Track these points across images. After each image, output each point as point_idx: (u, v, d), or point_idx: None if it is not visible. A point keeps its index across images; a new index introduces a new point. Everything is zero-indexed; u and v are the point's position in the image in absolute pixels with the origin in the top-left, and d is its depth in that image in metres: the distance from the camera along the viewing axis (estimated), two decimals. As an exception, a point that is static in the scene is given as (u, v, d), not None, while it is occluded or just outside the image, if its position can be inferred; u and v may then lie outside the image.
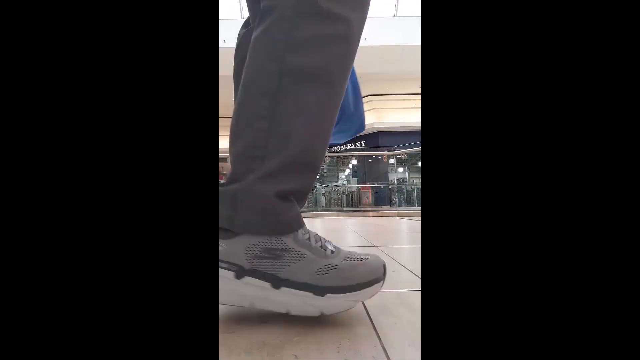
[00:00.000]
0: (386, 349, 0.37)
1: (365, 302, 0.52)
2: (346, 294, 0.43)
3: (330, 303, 0.43)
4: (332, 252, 0.46)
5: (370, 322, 0.45)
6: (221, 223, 0.44)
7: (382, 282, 0.45)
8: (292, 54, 0.43)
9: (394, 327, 0.43)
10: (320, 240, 0.47)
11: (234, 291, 0.43)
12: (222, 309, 0.50)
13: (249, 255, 0.43)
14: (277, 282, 0.42)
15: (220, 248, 0.43)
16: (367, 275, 0.44)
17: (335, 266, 0.43)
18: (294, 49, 0.43)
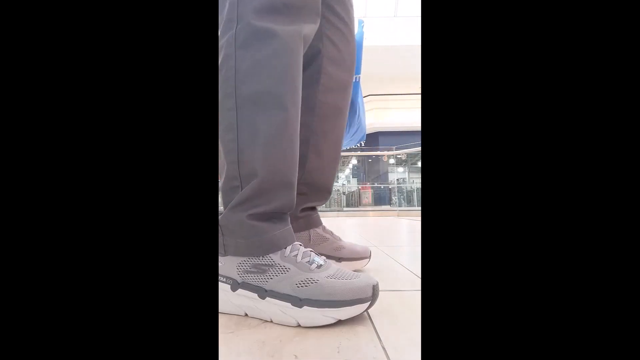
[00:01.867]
0: (386, 349, 0.37)
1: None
2: (323, 308, 0.43)
3: (307, 315, 0.43)
4: (320, 266, 0.47)
5: (370, 322, 0.45)
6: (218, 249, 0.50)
7: (368, 303, 0.44)
8: (241, 85, 0.47)
9: (394, 327, 0.43)
10: (310, 256, 0.49)
11: (230, 302, 0.48)
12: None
13: (240, 270, 0.48)
14: (263, 293, 0.46)
15: (219, 264, 0.49)
16: (348, 294, 0.43)
17: (316, 280, 0.45)
18: (242, 81, 0.47)
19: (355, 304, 0.43)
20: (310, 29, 0.51)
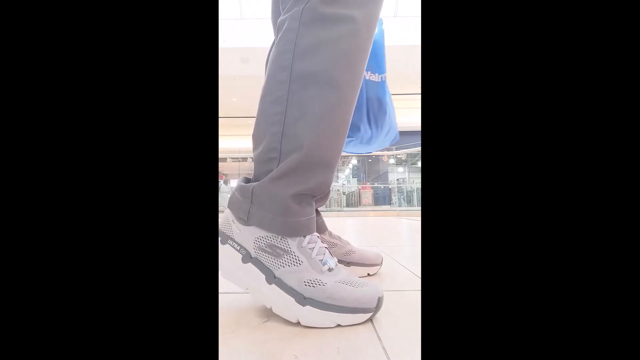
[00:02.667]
0: (386, 349, 0.37)
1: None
2: (325, 312, 0.43)
3: (308, 315, 0.43)
4: (330, 269, 0.47)
5: (370, 322, 0.45)
6: (241, 214, 0.49)
7: (370, 314, 0.44)
8: (298, 60, 0.46)
9: (394, 327, 0.43)
10: (324, 254, 0.48)
11: (237, 273, 0.48)
12: (222, 310, 0.50)
13: (256, 245, 0.47)
14: (271, 278, 0.46)
15: (237, 231, 0.49)
16: (352, 302, 0.44)
17: (324, 283, 0.45)
18: (300, 56, 0.46)
19: (358, 313, 0.43)
20: (378, 13, 0.51)
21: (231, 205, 0.51)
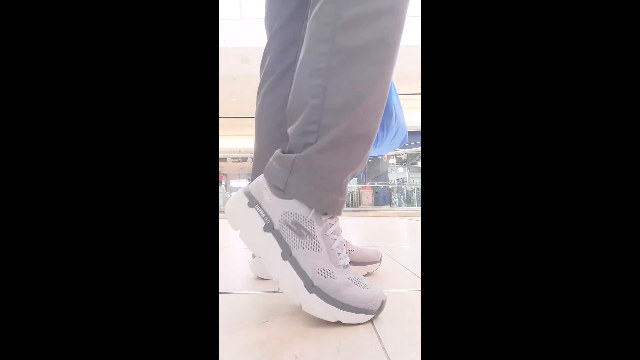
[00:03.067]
0: (386, 349, 0.37)
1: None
2: (329, 305, 0.43)
3: (312, 302, 0.43)
4: (344, 266, 0.47)
5: (370, 322, 0.45)
6: (278, 185, 0.48)
7: (372, 315, 0.45)
8: (339, 34, 0.46)
9: (394, 327, 0.43)
10: (342, 249, 0.48)
11: (256, 239, 0.48)
12: (222, 310, 0.50)
13: (282, 219, 0.47)
14: (287, 255, 0.45)
15: (267, 199, 0.48)
16: (356, 302, 0.44)
17: (335, 277, 0.45)
18: (341, 29, 0.46)
19: (360, 313, 0.44)
20: None
21: (267, 173, 0.50)
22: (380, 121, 0.50)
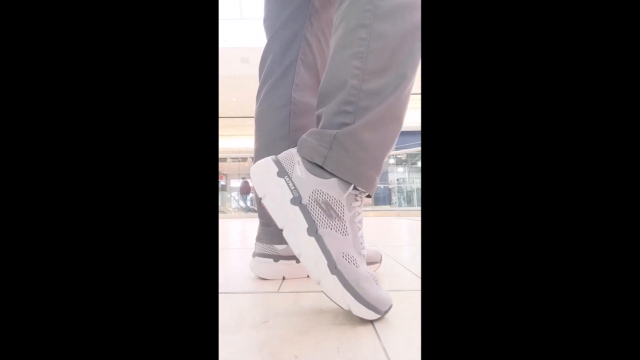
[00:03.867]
0: (386, 349, 0.37)
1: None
2: (347, 292, 0.43)
3: (331, 283, 0.44)
4: (363, 256, 0.48)
5: (370, 322, 0.45)
6: (316, 159, 0.48)
7: (379, 315, 0.45)
8: (378, 21, 0.48)
9: (394, 327, 0.43)
10: (363, 241, 0.49)
11: (282, 209, 0.48)
12: (222, 310, 0.50)
13: (312, 196, 0.47)
14: (312, 232, 0.45)
15: (298, 173, 0.49)
16: (371, 297, 0.44)
17: (358, 265, 0.46)
18: (380, 17, 0.48)
19: (371, 310, 0.44)
20: None
21: (302, 148, 0.50)
22: (408, 102, 0.53)
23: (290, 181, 0.48)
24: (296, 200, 0.47)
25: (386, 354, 0.36)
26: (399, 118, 0.50)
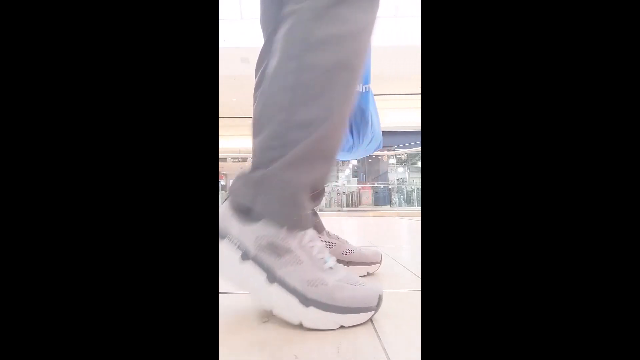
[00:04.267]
0: (386, 349, 0.37)
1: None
2: (329, 312, 0.43)
3: (312, 316, 0.43)
4: (331, 268, 0.47)
5: (370, 322, 0.45)
6: (246, 203, 0.48)
7: (372, 312, 0.44)
8: (309, 52, 0.47)
9: (394, 327, 0.43)
10: (324, 253, 0.48)
11: (237, 272, 0.46)
12: (222, 310, 0.50)
13: (256, 244, 0.46)
14: (272, 278, 0.45)
15: (238, 228, 0.47)
16: (354, 302, 0.44)
17: (326, 283, 0.44)
18: (310, 48, 0.47)
19: (360, 312, 0.43)
20: (375, 19, 0.52)
21: (233, 195, 0.49)
22: (342, 142, 0.51)
23: (233, 238, 0.47)
24: (245, 255, 0.46)
25: (386, 354, 0.36)
26: (326, 158, 0.49)
